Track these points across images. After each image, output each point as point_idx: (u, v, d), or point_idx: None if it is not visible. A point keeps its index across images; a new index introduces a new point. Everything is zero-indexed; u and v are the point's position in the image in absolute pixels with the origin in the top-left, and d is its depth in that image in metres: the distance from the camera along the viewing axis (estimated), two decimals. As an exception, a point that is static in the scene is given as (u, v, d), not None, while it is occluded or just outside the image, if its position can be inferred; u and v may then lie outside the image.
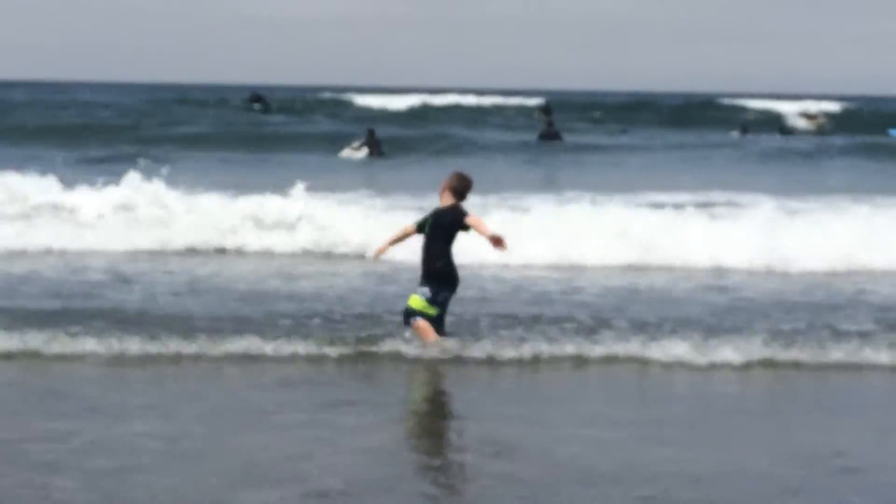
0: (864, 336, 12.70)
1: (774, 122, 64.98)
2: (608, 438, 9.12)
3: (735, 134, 55.97)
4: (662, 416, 9.94)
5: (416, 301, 11.84)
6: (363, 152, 39.72)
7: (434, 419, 10.17)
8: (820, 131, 60.61)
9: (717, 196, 24.71)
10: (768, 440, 9.25)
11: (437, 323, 11.85)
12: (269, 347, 11.72)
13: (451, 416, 10.25)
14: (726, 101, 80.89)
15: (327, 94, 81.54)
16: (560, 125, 50.26)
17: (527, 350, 11.89)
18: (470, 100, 73.77)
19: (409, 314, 11.86)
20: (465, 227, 11.82)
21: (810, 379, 11.55)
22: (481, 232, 11.65)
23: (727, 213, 20.49)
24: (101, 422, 9.21)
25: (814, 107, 72.74)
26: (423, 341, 11.78)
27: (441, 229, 11.90)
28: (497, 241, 11.48)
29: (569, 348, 11.99)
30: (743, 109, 72.97)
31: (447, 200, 12.00)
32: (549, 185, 28.73)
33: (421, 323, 11.80)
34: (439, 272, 11.83)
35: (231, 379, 10.94)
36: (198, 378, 10.93)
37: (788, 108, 71.71)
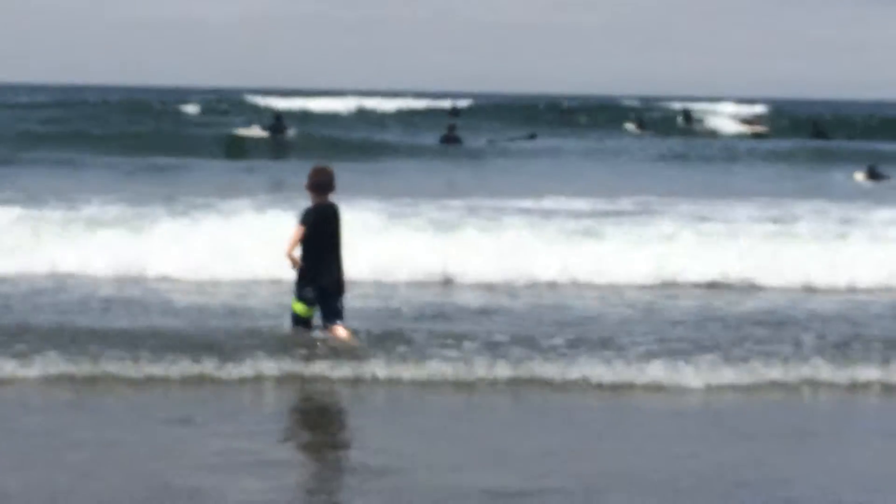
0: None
1: (689, 121, 65.33)
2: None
3: (630, 126, 56.70)
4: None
5: (295, 304, 12.00)
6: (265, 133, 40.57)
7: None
8: (758, 136, 59.09)
9: (606, 204, 24.04)
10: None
11: (330, 317, 11.87)
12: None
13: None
14: (660, 102, 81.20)
15: (239, 96, 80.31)
16: (470, 127, 49.68)
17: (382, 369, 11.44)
18: (377, 103, 72.58)
19: (294, 319, 12.03)
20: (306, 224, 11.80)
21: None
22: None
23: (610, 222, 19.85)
24: None
25: (744, 110, 72.80)
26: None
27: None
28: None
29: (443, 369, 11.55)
30: (651, 109, 72.77)
31: (315, 199, 11.98)
32: (435, 190, 27.92)
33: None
34: (302, 272, 11.85)
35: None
36: None
37: (700, 108, 71.94)
